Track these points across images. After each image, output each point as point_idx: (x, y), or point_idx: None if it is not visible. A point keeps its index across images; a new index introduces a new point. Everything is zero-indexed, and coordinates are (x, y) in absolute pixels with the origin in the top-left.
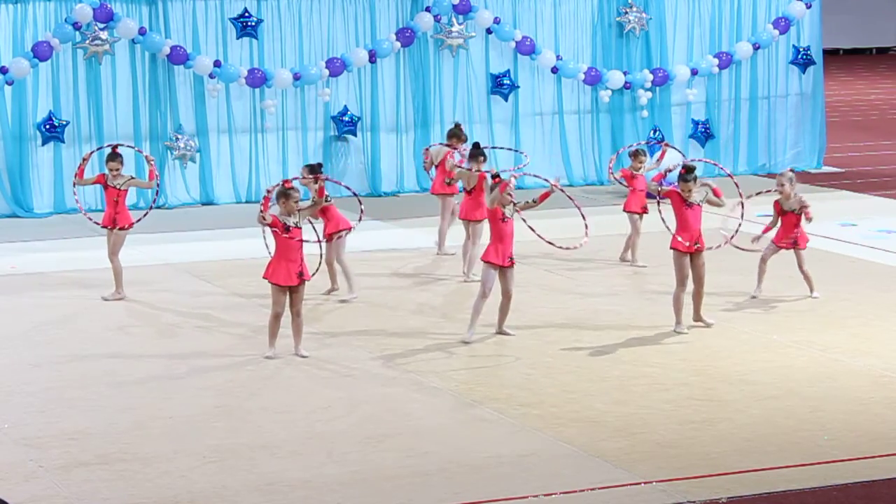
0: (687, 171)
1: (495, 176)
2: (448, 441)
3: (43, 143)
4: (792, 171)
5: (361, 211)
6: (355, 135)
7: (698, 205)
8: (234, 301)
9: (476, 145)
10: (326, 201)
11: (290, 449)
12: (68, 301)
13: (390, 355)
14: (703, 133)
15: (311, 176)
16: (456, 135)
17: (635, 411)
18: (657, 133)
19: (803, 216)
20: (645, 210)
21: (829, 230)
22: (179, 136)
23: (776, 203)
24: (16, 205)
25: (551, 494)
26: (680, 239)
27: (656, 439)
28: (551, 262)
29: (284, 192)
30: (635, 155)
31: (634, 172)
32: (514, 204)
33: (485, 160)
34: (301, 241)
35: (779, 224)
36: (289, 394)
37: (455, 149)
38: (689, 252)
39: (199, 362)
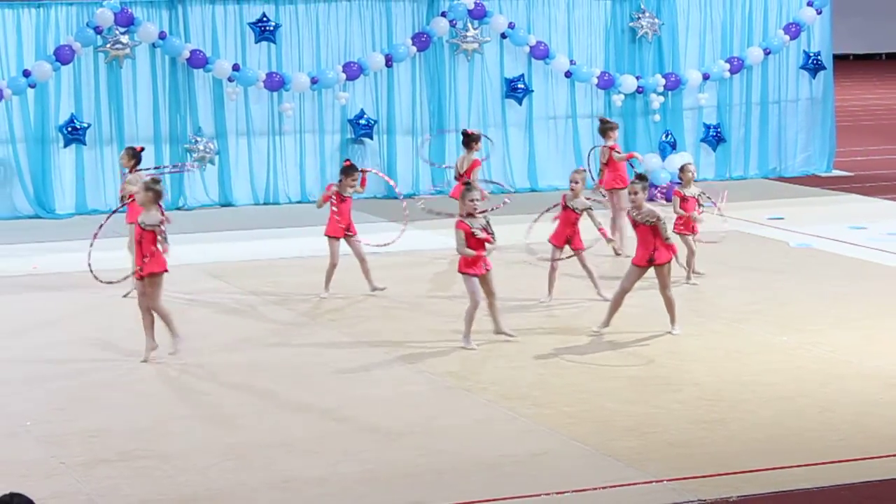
0: (637, 177)
1: (466, 182)
2: (461, 439)
3: (65, 146)
4: (584, 169)
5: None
6: (371, 138)
7: (645, 224)
8: (251, 301)
9: (465, 132)
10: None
11: (307, 447)
12: (89, 300)
13: (405, 355)
14: (715, 137)
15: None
16: (611, 127)
17: (647, 411)
18: (669, 137)
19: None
20: (694, 230)
21: (839, 233)
22: (199, 139)
23: (563, 196)
24: (38, 206)
25: (563, 493)
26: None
27: (667, 439)
28: (562, 264)
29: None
30: (683, 170)
31: (684, 192)
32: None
33: (478, 147)
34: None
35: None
36: (306, 392)
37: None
38: (643, 266)
39: (217, 361)
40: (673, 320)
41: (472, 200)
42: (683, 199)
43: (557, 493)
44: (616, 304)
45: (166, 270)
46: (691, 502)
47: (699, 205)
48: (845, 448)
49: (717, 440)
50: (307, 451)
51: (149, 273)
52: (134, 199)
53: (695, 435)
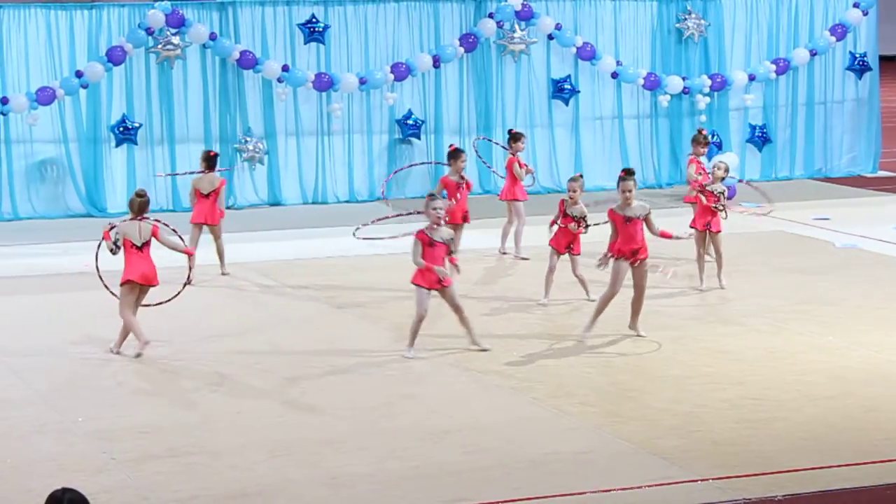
0: (626, 173)
1: (430, 194)
2: (508, 437)
3: (116, 145)
4: (581, 176)
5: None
6: (419, 138)
7: (637, 219)
8: (300, 300)
9: (510, 132)
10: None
11: (354, 444)
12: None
13: (452, 354)
14: (761, 138)
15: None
16: (699, 141)
17: (692, 410)
18: (715, 137)
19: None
20: (713, 227)
21: (884, 234)
22: (248, 139)
23: (561, 202)
24: (90, 205)
25: (609, 491)
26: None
27: (712, 437)
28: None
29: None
30: (713, 166)
31: (707, 186)
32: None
33: (515, 146)
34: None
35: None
36: (353, 390)
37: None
38: (629, 260)
39: (265, 359)
40: (635, 322)
41: (434, 209)
42: (702, 190)
43: (603, 490)
44: (604, 305)
45: (125, 282)
46: (736, 501)
47: (718, 203)
48: (890, 447)
49: (762, 439)
50: (354, 448)
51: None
52: (199, 200)
53: (740, 434)
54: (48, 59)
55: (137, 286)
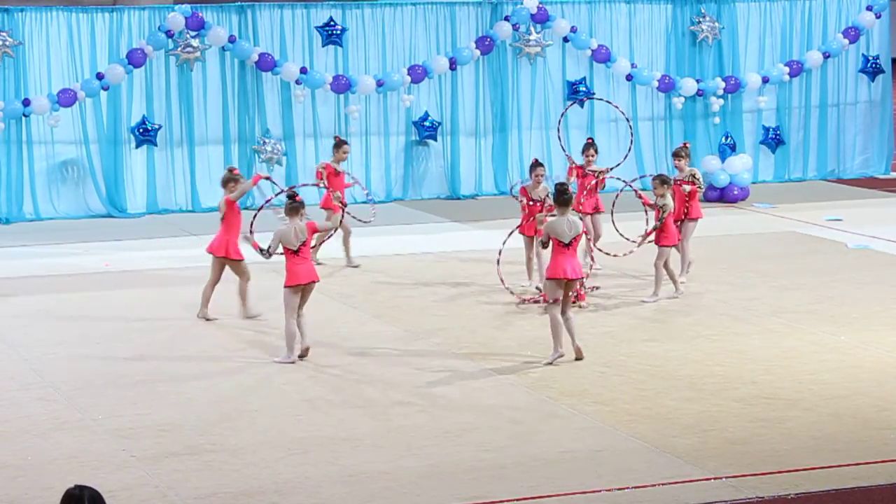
0: (559, 192)
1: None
2: (524, 436)
3: (136, 146)
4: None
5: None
6: (436, 139)
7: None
8: (315, 299)
9: (588, 140)
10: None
11: (371, 442)
12: (159, 298)
13: (468, 353)
14: (774, 139)
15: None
16: (676, 154)
17: (706, 409)
18: (728, 139)
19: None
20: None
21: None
22: (267, 140)
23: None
24: (110, 205)
25: (624, 489)
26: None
27: (726, 436)
28: (620, 267)
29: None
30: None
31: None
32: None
33: (585, 155)
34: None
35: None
36: (370, 389)
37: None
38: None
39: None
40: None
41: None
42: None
43: (618, 489)
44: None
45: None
46: (749, 499)
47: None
48: None
49: (776, 438)
50: (372, 446)
51: None
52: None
53: (753, 433)
54: (69, 62)
55: (213, 258)
